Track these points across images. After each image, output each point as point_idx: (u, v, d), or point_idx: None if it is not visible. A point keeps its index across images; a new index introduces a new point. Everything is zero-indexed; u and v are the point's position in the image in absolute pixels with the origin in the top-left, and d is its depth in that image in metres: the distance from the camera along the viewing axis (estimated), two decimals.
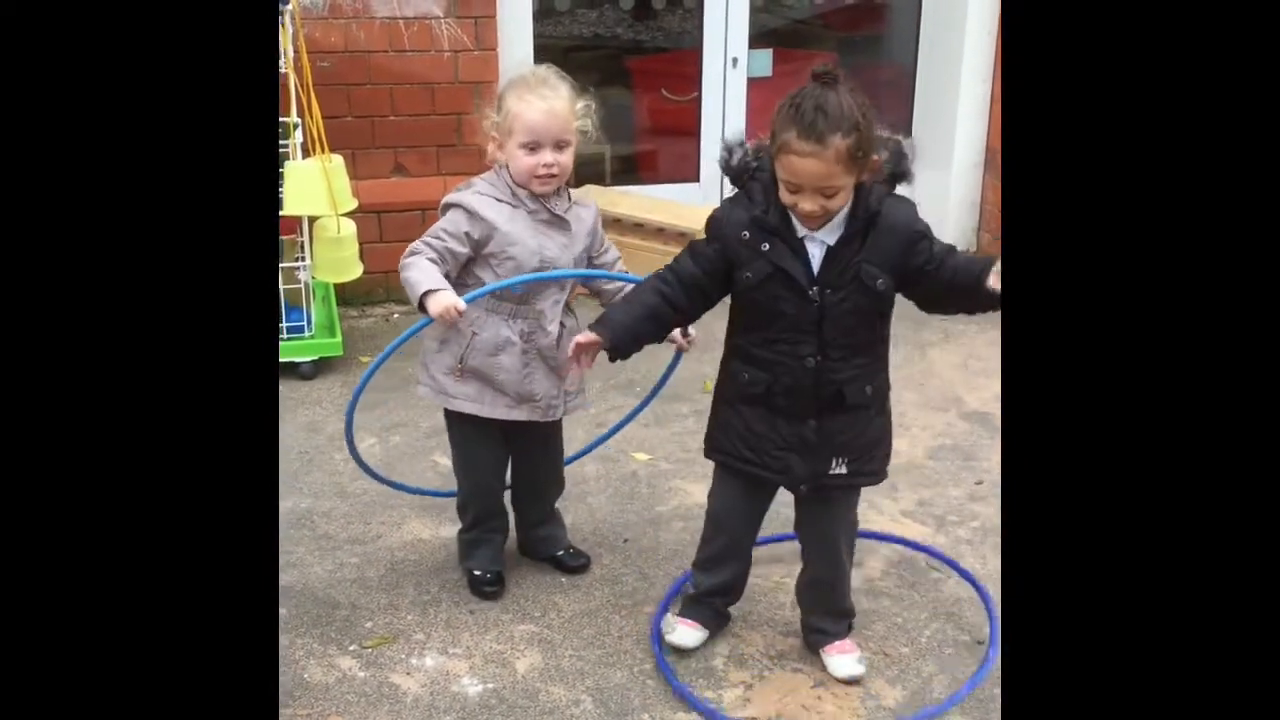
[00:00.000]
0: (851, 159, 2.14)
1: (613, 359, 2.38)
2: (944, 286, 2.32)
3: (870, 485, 2.51)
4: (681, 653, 2.61)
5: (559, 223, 2.58)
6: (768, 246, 2.27)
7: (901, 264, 2.29)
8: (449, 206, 2.55)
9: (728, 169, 2.34)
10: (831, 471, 2.39)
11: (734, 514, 2.54)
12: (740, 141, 2.34)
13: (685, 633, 2.62)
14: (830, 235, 2.27)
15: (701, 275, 2.34)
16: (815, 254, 2.27)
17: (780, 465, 2.39)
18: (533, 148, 2.49)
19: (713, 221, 2.36)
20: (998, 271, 2.22)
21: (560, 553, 2.92)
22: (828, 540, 2.51)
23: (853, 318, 2.30)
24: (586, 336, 2.34)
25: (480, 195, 2.55)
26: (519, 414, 2.64)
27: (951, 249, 2.37)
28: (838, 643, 2.60)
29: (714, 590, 2.63)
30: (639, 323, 2.36)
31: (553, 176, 2.52)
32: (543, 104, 2.48)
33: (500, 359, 2.59)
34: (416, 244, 2.52)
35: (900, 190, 2.32)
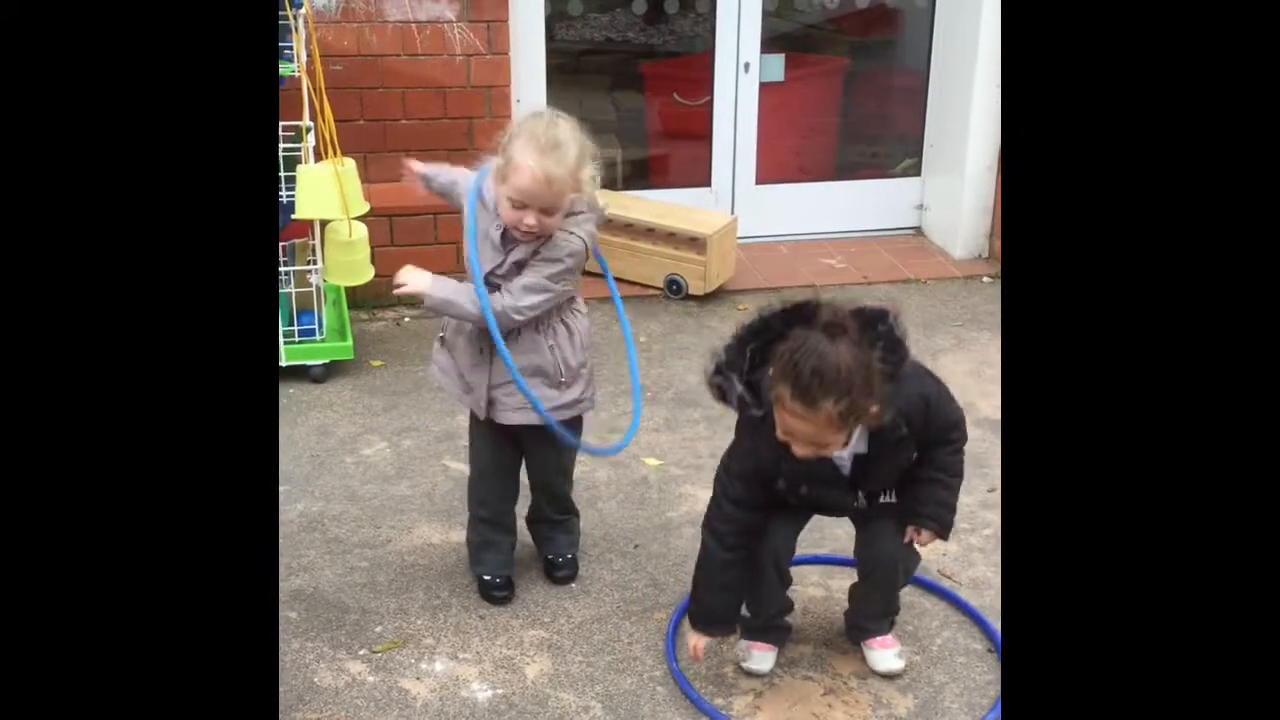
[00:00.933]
0: (842, 422, 2.13)
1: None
2: (911, 476, 2.43)
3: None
4: (700, 665, 2.61)
5: (501, 250, 2.52)
6: (805, 490, 2.36)
7: (922, 434, 2.36)
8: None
9: (723, 401, 2.31)
10: (882, 501, 2.46)
11: (780, 536, 2.51)
12: (723, 369, 2.26)
13: (761, 658, 2.61)
14: (857, 444, 2.32)
15: (747, 513, 2.40)
16: (845, 463, 2.35)
17: (832, 505, 2.51)
18: (519, 206, 2.42)
19: (736, 465, 2.40)
20: (921, 537, 2.46)
21: (551, 556, 2.92)
22: (884, 558, 2.52)
23: (892, 489, 2.45)
24: (702, 640, 2.47)
25: (480, 178, 2.55)
26: (466, 401, 2.67)
27: (948, 441, 2.41)
28: (880, 638, 2.62)
29: (777, 612, 2.61)
30: (736, 597, 2.48)
31: (533, 234, 2.46)
32: (540, 172, 2.36)
33: (459, 339, 2.62)
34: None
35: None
